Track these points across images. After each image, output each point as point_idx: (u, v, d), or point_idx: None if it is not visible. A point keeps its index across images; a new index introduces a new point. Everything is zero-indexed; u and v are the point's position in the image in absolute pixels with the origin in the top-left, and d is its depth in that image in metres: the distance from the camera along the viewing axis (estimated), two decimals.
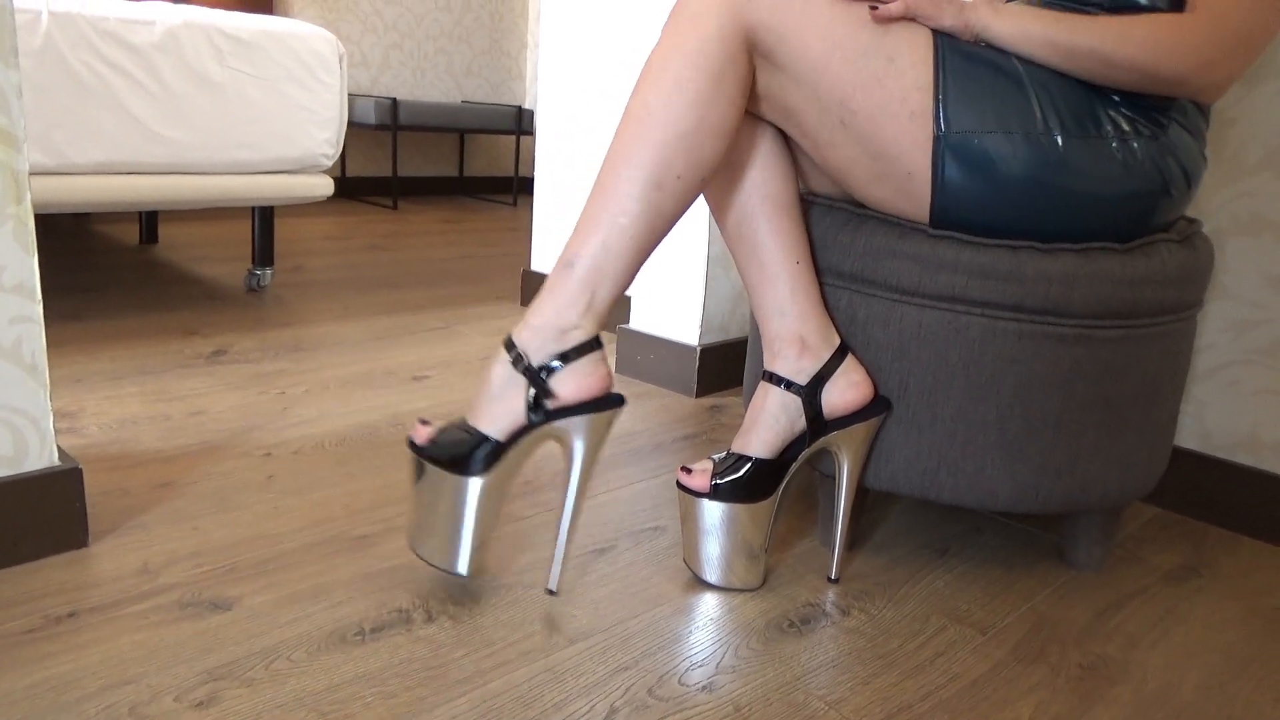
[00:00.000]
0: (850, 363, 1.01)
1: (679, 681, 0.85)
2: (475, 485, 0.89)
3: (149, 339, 1.81)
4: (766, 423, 1.00)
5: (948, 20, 0.95)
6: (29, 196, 0.93)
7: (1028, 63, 0.95)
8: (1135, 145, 0.94)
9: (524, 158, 5.15)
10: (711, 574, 1.01)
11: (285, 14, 4.08)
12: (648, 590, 1.01)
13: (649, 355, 1.78)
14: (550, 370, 0.89)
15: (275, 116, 2.03)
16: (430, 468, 0.91)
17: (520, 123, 4.40)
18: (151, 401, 1.47)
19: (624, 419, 1.56)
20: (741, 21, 0.91)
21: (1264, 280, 1.25)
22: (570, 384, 0.90)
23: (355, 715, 0.77)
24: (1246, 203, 1.25)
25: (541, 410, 0.89)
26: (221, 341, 1.83)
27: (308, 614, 0.91)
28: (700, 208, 1.69)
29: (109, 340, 1.78)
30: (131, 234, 2.98)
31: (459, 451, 0.90)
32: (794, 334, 1.00)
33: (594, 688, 0.83)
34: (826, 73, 0.93)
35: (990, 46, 0.97)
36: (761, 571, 1.03)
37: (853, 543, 1.15)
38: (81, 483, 0.99)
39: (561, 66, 2.20)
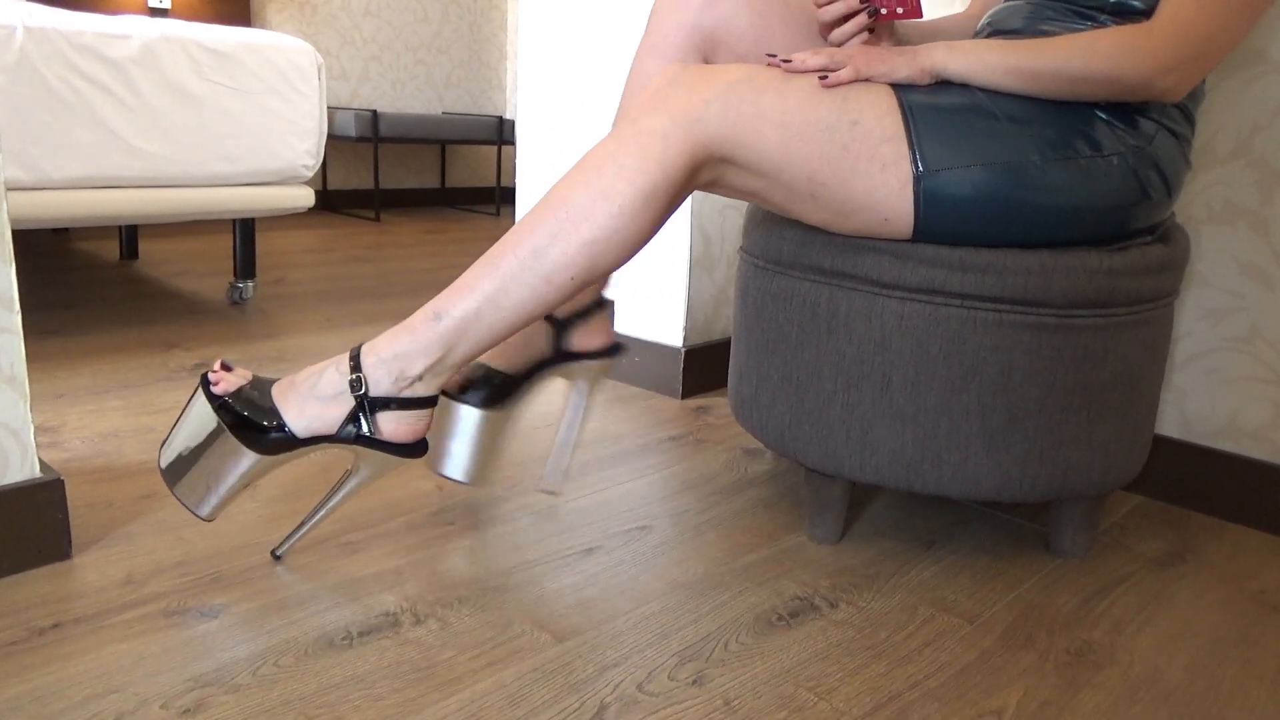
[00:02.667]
0: (603, 315, 1.13)
1: (669, 677, 0.85)
2: (250, 459, 0.92)
3: (130, 353, 1.80)
4: (517, 342, 1.10)
5: (902, 72, 0.96)
6: (5, 206, 0.92)
7: (993, 93, 0.96)
8: (1114, 160, 0.95)
9: (506, 167, 5.15)
10: (452, 470, 1.08)
11: (263, 29, 4.08)
12: (635, 588, 1.01)
13: (633, 358, 1.78)
14: (381, 405, 0.92)
15: (254, 128, 2.03)
16: (211, 415, 0.92)
17: (501, 133, 4.40)
18: (134, 414, 1.46)
19: (610, 421, 1.56)
20: (691, 141, 0.91)
21: (1239, 268, 1.26)
22: (391, 426, 0.93)
23: (344, 718, 0.77)
24: (1220, 191, 1.26)
25: (353, 434, 0.92)
26: (204, 354, 1.82)
27: (294, 620, 0.91)
28: (684, 208, 1.69)
29: (90, 355, 1.77)
30: (111, 250, 2.97)
31: (254, 422, 0.91)
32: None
33: (583, 685, 0.83)
34: (790, 158, 0.93)
35: (953, 85, 0.97)
36: (496, 471, 1.18)
37: (841, 535, 1.15)
38: (64, 494, 0.98)
39: (541, 76, 2.21)
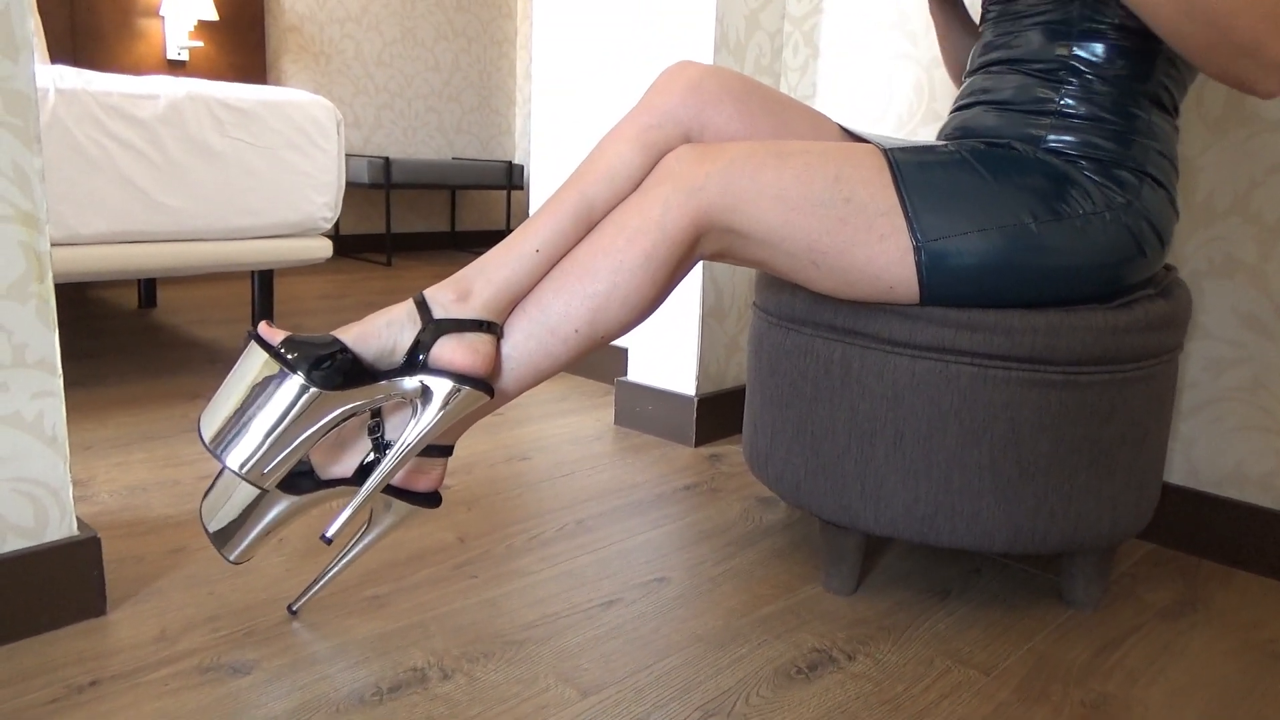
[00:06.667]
0: (488, 339, 0.94)
1: None
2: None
3: (154, 404, 1.84)
4: (375, 323, 0.92)
5: None
6: (50, 275, 0.96)
7: (981, 156, 1.00)
8: (1107, 216, 0.99)
9: (515, 211, 5.22)
10: (232, 450, 0.87)
11: (278, 79, 4.17)
12: (656, 641, 1.03)
13: (647, 407, 1.81)
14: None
15: (275, 183, 2.08)
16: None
17: (510, 177, 4.47)
18: (160, 467, 1.49)
19: (626, 470, 1.58)
20: (692, 207, 0.97)
21: (1240, 320, 1.29)
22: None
23: None
24: (1220, 246, 1.30)
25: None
26: None
27: (326, 675, 0.93)
28: None
29: (115, 406, 1.81)
30: (130, 298, 3.02)
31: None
32: (469, 285, 0.94)
33: None
34: (789, 229, 0.98)
35: (940, 149, 1.01)
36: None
37: (856, 586, 1.17)
38: (100, 551, 1.01)
39: (553, 121, 2.27)
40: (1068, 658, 1.04)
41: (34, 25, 2.43)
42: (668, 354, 1.78)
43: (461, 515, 1.36)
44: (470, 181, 4.36)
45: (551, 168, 2.30)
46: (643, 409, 1.82)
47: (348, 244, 4.51)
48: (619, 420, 1.86)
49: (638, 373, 1.84)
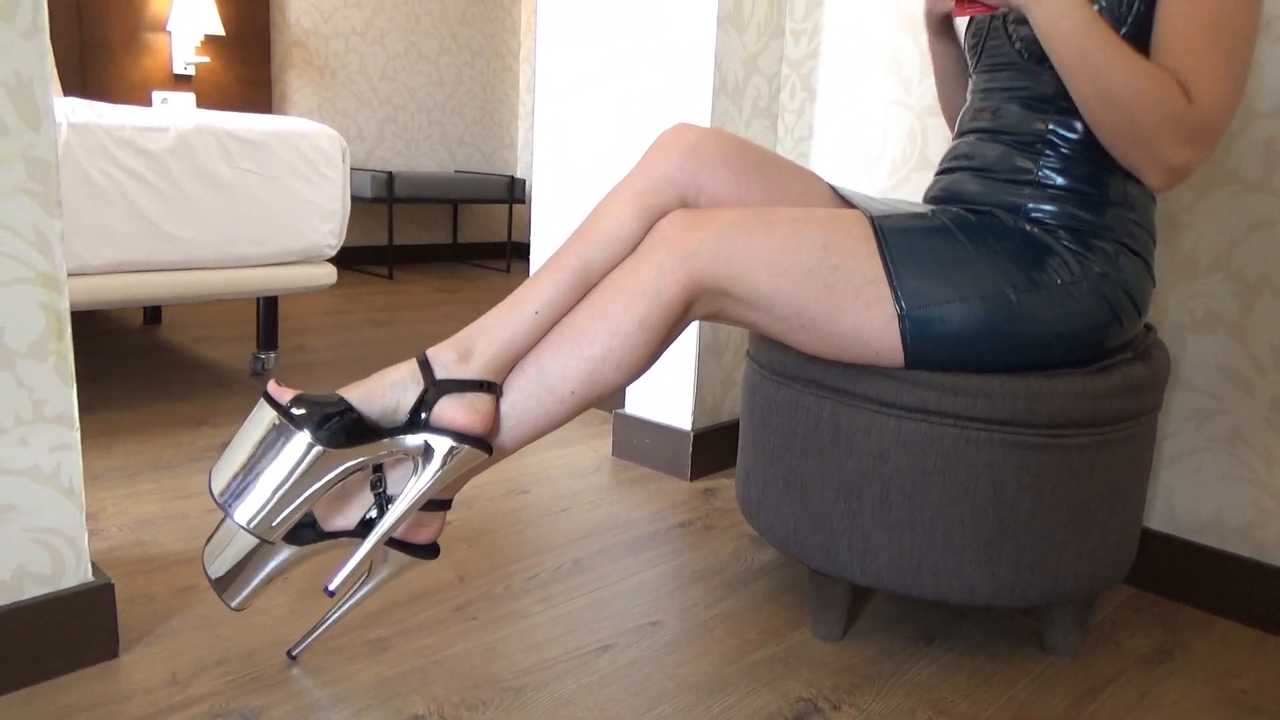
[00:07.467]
0: (488, 398, 0.98)
1: None
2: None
3: (160, 430, 1.87)
4: (380, 382, 0.96)
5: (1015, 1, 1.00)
6: (69, 333, 1.00)
7: (963, 224, 1.04)
8: (1085, 286, 1.02)
9: (517, 224, 5.27)
10: (240, 505, 0.92)
11: (283, 93, 4.21)
12: (649, 689, 1.07)
13: (643, 439, 1.84)
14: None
15: (281, 211, 2.12)
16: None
17: (512, 191, 4.51)
18: (168, 499, 1.53)
19: (622, 506, 1.62)
20: (686, 273, 1.00)
21: (1220, 373, 1.33)
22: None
23: None
24: (1201, 301, 1.34)
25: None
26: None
27: None
28: None
29: (121, 433, 1.84)
30: (135, 314, 3.05)
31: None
32: (470, 346, 0.99)
33: None
34: (778, 295, 1.02)
35: (924, 215, 1.06)
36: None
37: (843, 633, 1.21)
38: (114, 597, 1.05)
39: (555, 126, 2.31)
40: (1046, 707, 1.07)
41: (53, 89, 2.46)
42: (665, 388, 1.82)
43: (462, 553, 1.39)
44: (472, 195, 4.40)
45: (554, 176, 2.33)
46: (639, 441, 1.85)
47: (350, 257, 4.55)
48: (616, 451, 1.90)
49: (635, 406, 1.88)
